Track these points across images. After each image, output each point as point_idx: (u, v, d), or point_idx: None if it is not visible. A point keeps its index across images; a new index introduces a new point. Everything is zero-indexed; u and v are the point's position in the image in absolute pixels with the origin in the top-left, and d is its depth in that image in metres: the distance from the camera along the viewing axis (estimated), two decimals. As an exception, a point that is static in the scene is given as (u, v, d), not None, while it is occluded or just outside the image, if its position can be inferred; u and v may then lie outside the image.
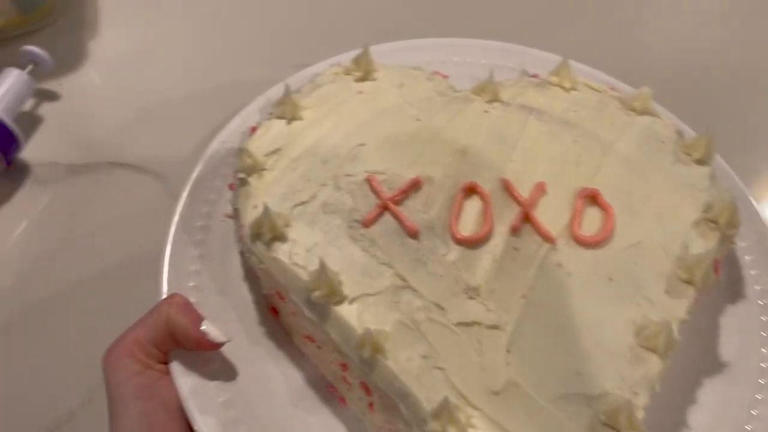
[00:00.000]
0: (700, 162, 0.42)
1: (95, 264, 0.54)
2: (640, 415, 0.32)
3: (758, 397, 0.38)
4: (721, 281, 0.40)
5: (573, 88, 0.46)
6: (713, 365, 0.40)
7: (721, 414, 0.38)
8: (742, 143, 0.60)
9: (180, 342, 0.35)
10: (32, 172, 0.60)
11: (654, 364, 0.34)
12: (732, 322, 0.41)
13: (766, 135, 0.63)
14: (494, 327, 0.34)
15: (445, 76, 0.46)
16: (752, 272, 0.43)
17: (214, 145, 0.45)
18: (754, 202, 0.45)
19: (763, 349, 0.40)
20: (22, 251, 0.55)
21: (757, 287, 0.42)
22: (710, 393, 0.38)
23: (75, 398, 0.46)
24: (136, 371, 0.34)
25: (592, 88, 0.46)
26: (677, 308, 0.36)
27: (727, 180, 0.44)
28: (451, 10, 0.71)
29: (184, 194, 0.42)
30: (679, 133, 0.44)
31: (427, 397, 0.31)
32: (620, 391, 0.32)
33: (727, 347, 0.40)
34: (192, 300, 0.39)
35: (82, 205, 0.58)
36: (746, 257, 0.43)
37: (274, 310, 0.40)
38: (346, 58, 0.46)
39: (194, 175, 0.43)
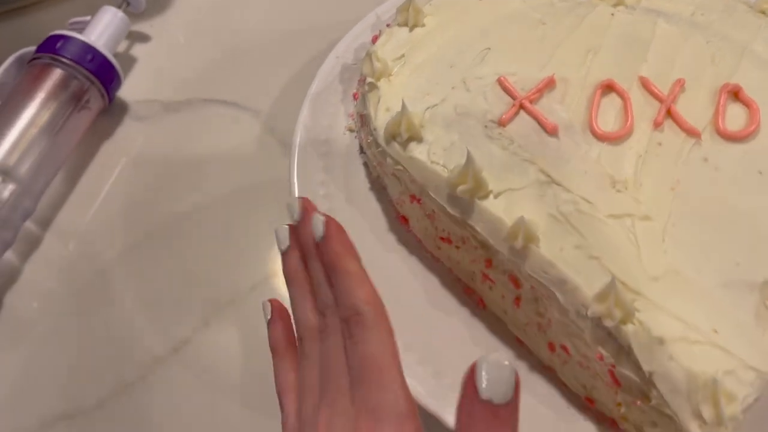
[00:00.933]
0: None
1: (200, 195, 0.54)
2: (810, 301, 0.31)
3: None
4: None
5: (698, -8, 0.44)
6: None
7: None
8: None
9: None
10: (131, 110, 0.60)
11: (817, 253, 0.32)
12: None
13: None
14: (646, 218, 0.33)
15: (564, -15, 0.45)
16: None
17: (329, 61, 0.45)
18: None
19: None
20: (126, 186, 0.55)
21: None
22: None
23: (190, 323, 0.47)
24: None
25: (716, -7, 0.44)
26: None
27: None
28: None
29: (305, 107, 0.42)
30: (815, 37, 0.42)
31: (587, 283, 0.31)
32: (785, 280, 0.31)
33: None
34: (322, 208, 0.39)
35: (180, 139, 0.58)
36: None
37: (404, 219, 0.40)
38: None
39: (312, 89, 0.43)
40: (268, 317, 0.31)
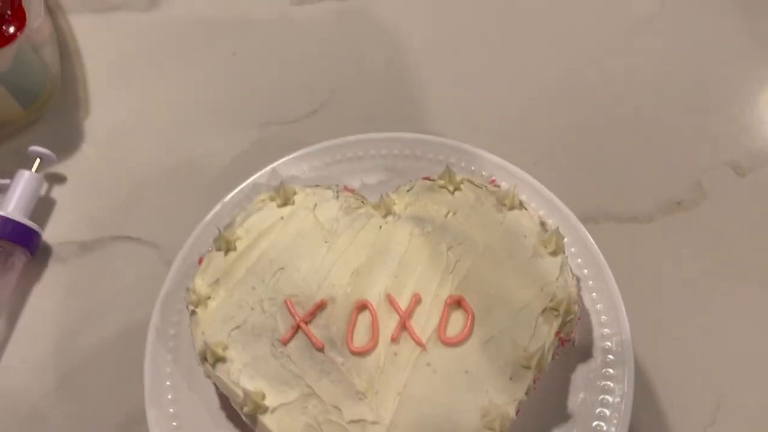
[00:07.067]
0: (554, 253, 0.52)
1: (107, 328, 0.69)
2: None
3: (592, 439, 0.50)
4: (576, 344, 0.53)
5: (457, 189, 0.55)
6: (560, 413, 0.52)
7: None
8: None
9: None
10: (54, 252, 0.74)
11: (493, 441, 0.47)
12: (581, 375, 0.53)
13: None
14: (375, 422, 0.47)
15: (353, 191, 0.57)
16: (605, 331, 0.54)
17: (177, 262, 0.57)
18: (609, 270, 0.55)
19: (600, 397, 0.52)
20: (52, 323, 0.70)
21: (607, 343, 0.53)
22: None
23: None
24: None
25: (474, 185, 0.56)
26: (517, 391, 0.48)
27: (588, 249, 0.55)
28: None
29: (156, 310, 0.56)
30: (542, 224, 0.54)
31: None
32: (465, 465, 0.46)
33: (573, 399, 0.52)
34: (168, 396, 0.53)
35: (95, 277, 0.72)
36: (602, 318, 0.54)
37: (231, 398, 0.54)
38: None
39: (163, 290, 0.56)
40: None
